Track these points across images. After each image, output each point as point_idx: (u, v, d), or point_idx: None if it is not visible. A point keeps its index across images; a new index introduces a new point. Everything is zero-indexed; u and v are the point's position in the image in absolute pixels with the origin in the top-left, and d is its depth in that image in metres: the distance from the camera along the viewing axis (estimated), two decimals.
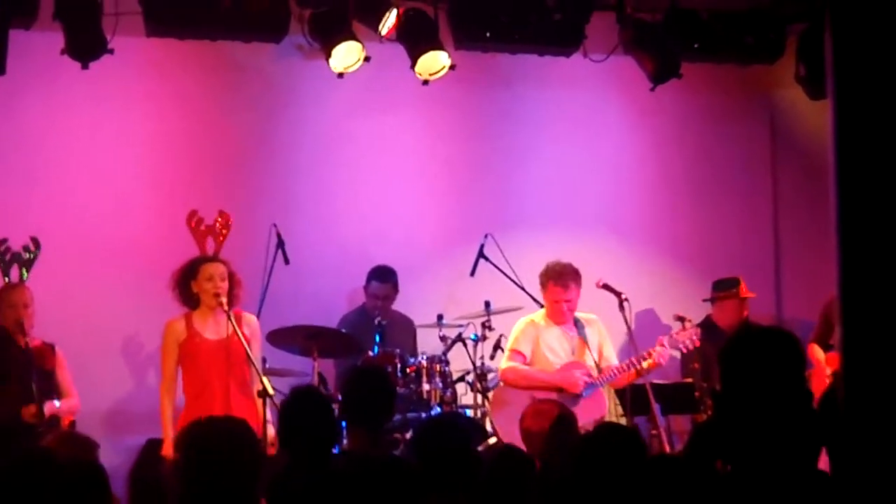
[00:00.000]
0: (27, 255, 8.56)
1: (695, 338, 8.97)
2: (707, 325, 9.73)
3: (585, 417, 8.21)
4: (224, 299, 7.83)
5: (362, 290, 9.85)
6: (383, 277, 9.79)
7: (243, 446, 4.48)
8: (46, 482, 4.66)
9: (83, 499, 4.57)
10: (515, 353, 8.96)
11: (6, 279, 8.39)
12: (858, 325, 2.87)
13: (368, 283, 9.81)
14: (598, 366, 8.90)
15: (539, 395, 8.41)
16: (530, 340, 8.96)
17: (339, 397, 6.91)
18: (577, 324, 9.01)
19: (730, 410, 4.18)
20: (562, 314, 8.98)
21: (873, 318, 2.85)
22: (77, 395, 8.33)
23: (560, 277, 8.96)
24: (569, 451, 4.68)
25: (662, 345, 8.85)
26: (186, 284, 7.93)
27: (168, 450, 7.80)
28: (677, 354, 9.31)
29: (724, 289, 9.99)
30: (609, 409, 9.20)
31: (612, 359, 9.05)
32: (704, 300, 10.07)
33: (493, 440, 8.21)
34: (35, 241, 8.61)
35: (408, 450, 8.27)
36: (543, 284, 9.03)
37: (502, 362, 8.99)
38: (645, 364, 8.76)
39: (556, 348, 8.96)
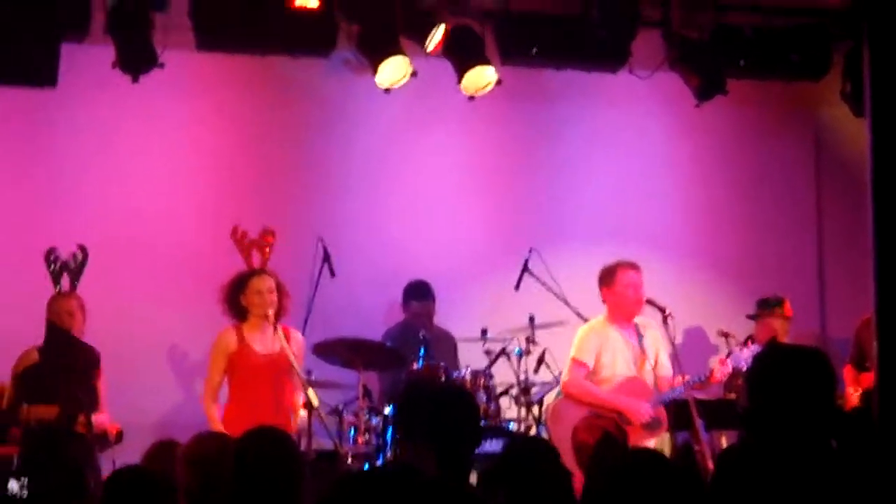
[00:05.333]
0: (74, 264, 8.60)
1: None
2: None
3: (645, 438, 8.36)
4: (272, 313, 7.91)
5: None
6: (420, 295, 9.86)
7: (292, 456, 4.77)
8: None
9: None
10: (578, 363, 8.63)
11: (57, 288, 8.44)
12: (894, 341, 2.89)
13: (407, 302, 9.88)
14: (655, 375, 8.67)
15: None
16: (594, 349, 8.63)
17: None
18: (637, 330, 8.75)
19: (758, 429, 4.11)
20: (634, 303, 8.66)
21: None
22: (108, 413, 8.28)
23: (628, 262, 8.73)
24: (608, 469, 4.56)
25: (724, 363, 8.66)
26: (235, 298, 8.02)
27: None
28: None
29: (767, 307, 10.01)
30: None
31: (666, 365, 8.77)
32: (748, 317, 10.07)
33: None
34: (82, 249, 8.65)
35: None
36: (610, 276, 8.71)
37: (564, 373, 8.73)
38: (704, 379, 8.58)
39: (618, 356, 8.65)
